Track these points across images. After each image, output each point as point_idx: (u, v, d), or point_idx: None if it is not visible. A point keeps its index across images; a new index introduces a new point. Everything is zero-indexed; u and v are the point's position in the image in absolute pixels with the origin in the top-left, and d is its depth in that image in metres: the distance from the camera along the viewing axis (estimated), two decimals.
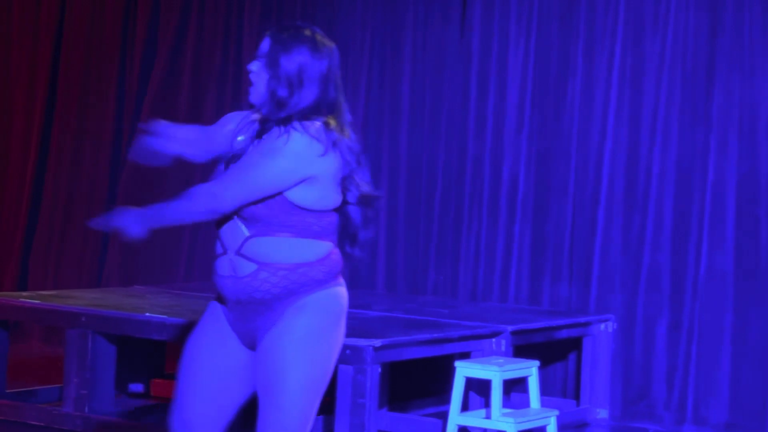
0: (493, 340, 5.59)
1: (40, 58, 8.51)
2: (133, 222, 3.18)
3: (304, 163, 3.06)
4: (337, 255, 3.17)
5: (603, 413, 6.39)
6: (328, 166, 3.09)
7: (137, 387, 6.36)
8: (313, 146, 3.06)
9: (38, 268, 8.40)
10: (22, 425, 5.60)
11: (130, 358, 6.13)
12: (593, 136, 6.69)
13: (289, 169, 3.05)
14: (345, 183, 3.16)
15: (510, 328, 5.65)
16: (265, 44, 3.20)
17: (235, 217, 3.14)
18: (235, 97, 7.81)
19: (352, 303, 6.37)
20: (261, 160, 3.07)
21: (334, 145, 3.09)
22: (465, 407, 5.40)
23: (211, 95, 7.92)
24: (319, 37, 3.19)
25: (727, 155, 6.34)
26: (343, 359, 4.83)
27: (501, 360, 5.36)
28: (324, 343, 3.12)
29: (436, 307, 6.35)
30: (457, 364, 5.23)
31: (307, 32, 3.19)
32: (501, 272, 6.92)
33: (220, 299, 3.26)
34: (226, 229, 3.17)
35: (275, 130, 3.10)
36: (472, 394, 5.54)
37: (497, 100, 6.99)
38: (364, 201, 3.22)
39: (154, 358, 6.46)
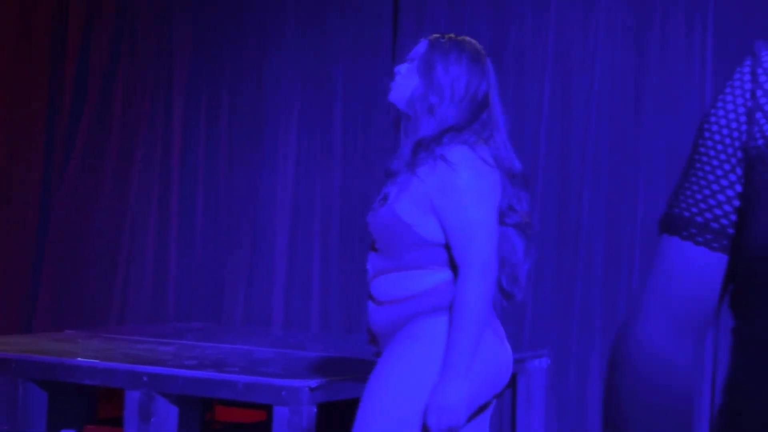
0: None
1: None
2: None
3: None
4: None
5: None
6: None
7: None
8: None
9: None
10: None
11: (62, 404, 6.04)
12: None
13: None
14: (504, 211, 2.92)
15: None
16: (421, 47, 3.03)
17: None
18: (165, 148, 7.77)
19: (287, 343, 6.39)
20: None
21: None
22: None
23: (140, 143, 7.86)
24: (482, 53, 3.01)
25: (656, 190, 6.43)
26: (278, 400, 4.80)
27: None
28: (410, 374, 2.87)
29: (371, 346, 6.32)
30: None
31: (468, 45, 3.01)
32: None
33: None
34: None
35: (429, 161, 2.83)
36: None
37: None
38: (524, 232, 2.97)
39: (86, 404, 6.37)
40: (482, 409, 3.00)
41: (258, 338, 6.61)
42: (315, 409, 4.83)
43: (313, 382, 4.85)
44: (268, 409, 6.33)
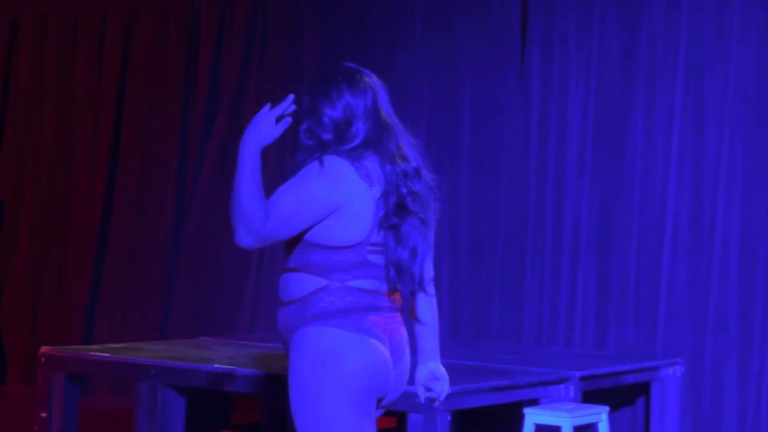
0: (562, 386, 5.55)
1: (103, 112, 8.63)
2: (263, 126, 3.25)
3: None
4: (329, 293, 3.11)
5: None
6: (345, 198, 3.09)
7: None
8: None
9: (104, 321, 8.47)
10: None
11: (199, 409, 6.15)
12: (656, 176, 6.66)
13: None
14: (390, 213, 3.11)
15: (578, 373, 5.61)
16: (306, 101, 3.26)
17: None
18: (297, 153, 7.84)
19: (416, 350, 6.39)
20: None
21: (369, 177, 3.10)
22: None
23: (272, 149, 7.96)
24: (357, 73, 3.22)
25: None
26: (413, 407, 4.82)
27: (570, 406, 5.32)
28: (302, 385, 3.08)
29: (502, 353, 6.32)
30: (527, 411, 5.20)
31: (343, 72, 3.23)
32: (566, 316, 6.89)
33: None
34: None
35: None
36: None
37: (558, 144, 6.99)
38: (415, 229, 3.14)
39: (221, 409, 6.47)
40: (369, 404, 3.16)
41: None
42: (449, 417, 4.84)
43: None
44: (398, 415, 6.36)
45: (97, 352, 5.95)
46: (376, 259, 3.13)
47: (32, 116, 8.91)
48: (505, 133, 7.16)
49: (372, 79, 3.24)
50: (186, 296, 8.15)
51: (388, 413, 6.52)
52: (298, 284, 3.13)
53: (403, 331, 3.24)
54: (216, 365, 5.45)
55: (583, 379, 5.64)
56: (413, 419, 4.83)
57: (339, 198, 3.09)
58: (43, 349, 5.92)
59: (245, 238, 3.11)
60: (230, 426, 6.48)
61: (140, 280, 8.37)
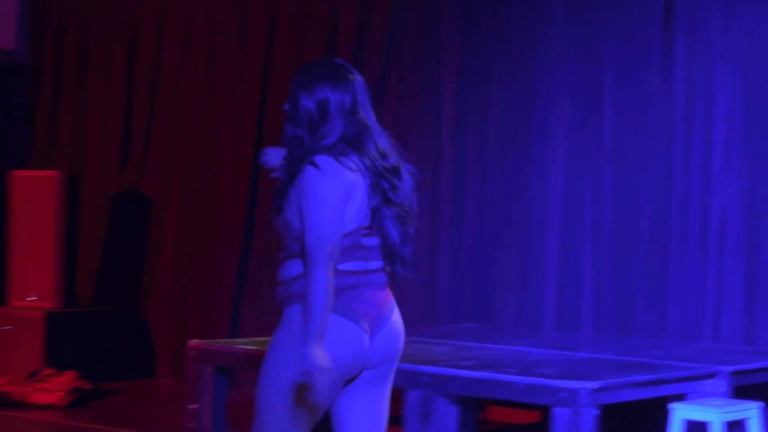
0: (711, 381, 5.45)
1: (246, 111, 8.78)
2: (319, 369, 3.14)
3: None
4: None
5: None
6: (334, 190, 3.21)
7: None
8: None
9: (249, 315, 8.61)
10: None
11: None
12: None
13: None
14: (379, 204, 3.28)
15: (728, 368, 5.50)
16: (291, 85, 3.36)
17: None
18: (436, 151, 7.83)
19: (561, 345, 6.35)
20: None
21: (353, 171, 3.24)
22: None
23: (411, 147, 7.98)
24: (342, 70, 3.34)
25: None
26: (558, 401, 4.79)
27: (720, 401, 5.22)
28: (276, 355, 3.26)
29: (647, 348, 6.23)
30: (675, 406, 5.11)
31: (328, 67, 3.35)
32: (713, 311, 6.75)
33: None
34: None
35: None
36: None
37: (704, 137, 6.85)
38: (401, 219, 3.33)
39: None
40: (349, 380, 3.36)
41: (531, 339, 6.61)
42: (597, 411, 4.79)
43: (595, 384, 4.81)
44: (542, 410, 6.32)
45: (244, 345, 6.05)
46: (367, 241, 3.31)
47: (178, 115, 9.12)
48: (649, 127, 7.05)
49: (356, 78, 3.35)
50: None
51: (532, 407, 6.50)
52: (291, 267, 3.32)
53: (390, 302, 3.39)
54: None
55: (734, 374, 5.52)
56: (559, 413, 4.80)
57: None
58: (193, 342, 6.05)
59: (323, 266, 3.19)
60: None
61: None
